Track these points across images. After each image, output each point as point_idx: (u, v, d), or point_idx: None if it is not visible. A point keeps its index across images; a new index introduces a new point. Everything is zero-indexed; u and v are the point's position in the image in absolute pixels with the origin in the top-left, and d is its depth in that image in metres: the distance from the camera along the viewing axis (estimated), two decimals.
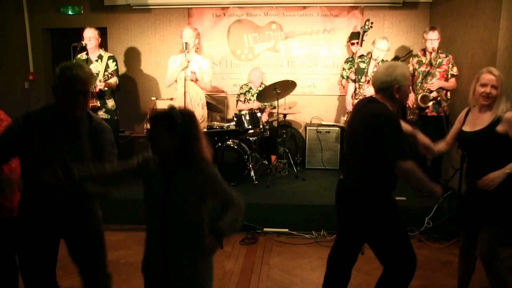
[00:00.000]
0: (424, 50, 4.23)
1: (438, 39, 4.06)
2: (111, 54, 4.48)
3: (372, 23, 4.71)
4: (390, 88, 2.04)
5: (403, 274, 2.12)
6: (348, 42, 5.29)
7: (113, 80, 4.32)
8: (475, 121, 2.33)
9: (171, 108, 1.65)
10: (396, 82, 2.03)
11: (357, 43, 4.87)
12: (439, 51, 4.10)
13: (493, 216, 2.24)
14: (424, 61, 4.18)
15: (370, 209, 2.08)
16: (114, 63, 4.38)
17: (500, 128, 2.21)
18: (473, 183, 2.29)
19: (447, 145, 2.48)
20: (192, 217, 1.68)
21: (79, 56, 4.36)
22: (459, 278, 2.54)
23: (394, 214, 2.13)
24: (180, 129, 1.62)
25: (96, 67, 4.31)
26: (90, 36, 4.29)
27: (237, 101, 5.20)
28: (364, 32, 4.69)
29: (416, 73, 4.23)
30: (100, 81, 4.16)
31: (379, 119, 1.99)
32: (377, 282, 2.22)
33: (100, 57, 4.36)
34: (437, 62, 4.06)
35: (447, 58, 4.10)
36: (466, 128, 2.36)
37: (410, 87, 4.31)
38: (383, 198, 2.11)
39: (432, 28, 4.06)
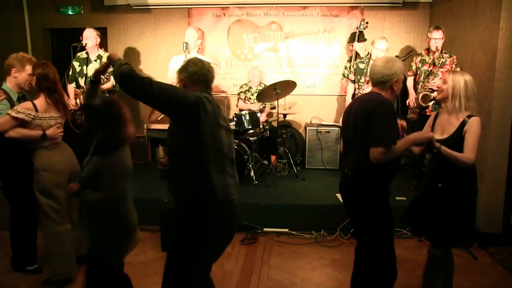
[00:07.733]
0: (428, 49, 4.22)
1: (442, 39, 4.04)
2: None
3: (367, 22, 4.70)
4: (390, 81, 2.14)
5: (383, 276, 2.18)
6: (348, 43, 5.29)
7: (109, 84, 4.35)
8: (444, 126, 2.35)
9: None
10: (396, 75, 2.14)
11: (352, 45, 4.86)
12: (443, 51, 4.09)
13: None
14: (427, 60, 4.16)
15: (368, 197, 2.14)
16: None
17: (464, 131, 2.25)
18: (434, 186, 2.34)
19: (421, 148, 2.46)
20: None
21: (78, 54, 4.37)
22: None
23: (387, 205, 2.19)
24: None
25: (95, 67, 4.29)
26: (88, 35, 4.30)
27: (238, 99, 5.20)
28: (360, 32, 4.69)
29: (418, 72, 4.23)
30: None
31: (373, 103, 2.06)
32: (355, 281, 2.34)
33: (100, 57, 4.35)
34: (440, 62, 4.05)
35: (451, 59, 4.09)
36: (436, 135, 2.35)
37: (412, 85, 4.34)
38: (380, 187, 2.16)
39: (437, 28, 4.04)
